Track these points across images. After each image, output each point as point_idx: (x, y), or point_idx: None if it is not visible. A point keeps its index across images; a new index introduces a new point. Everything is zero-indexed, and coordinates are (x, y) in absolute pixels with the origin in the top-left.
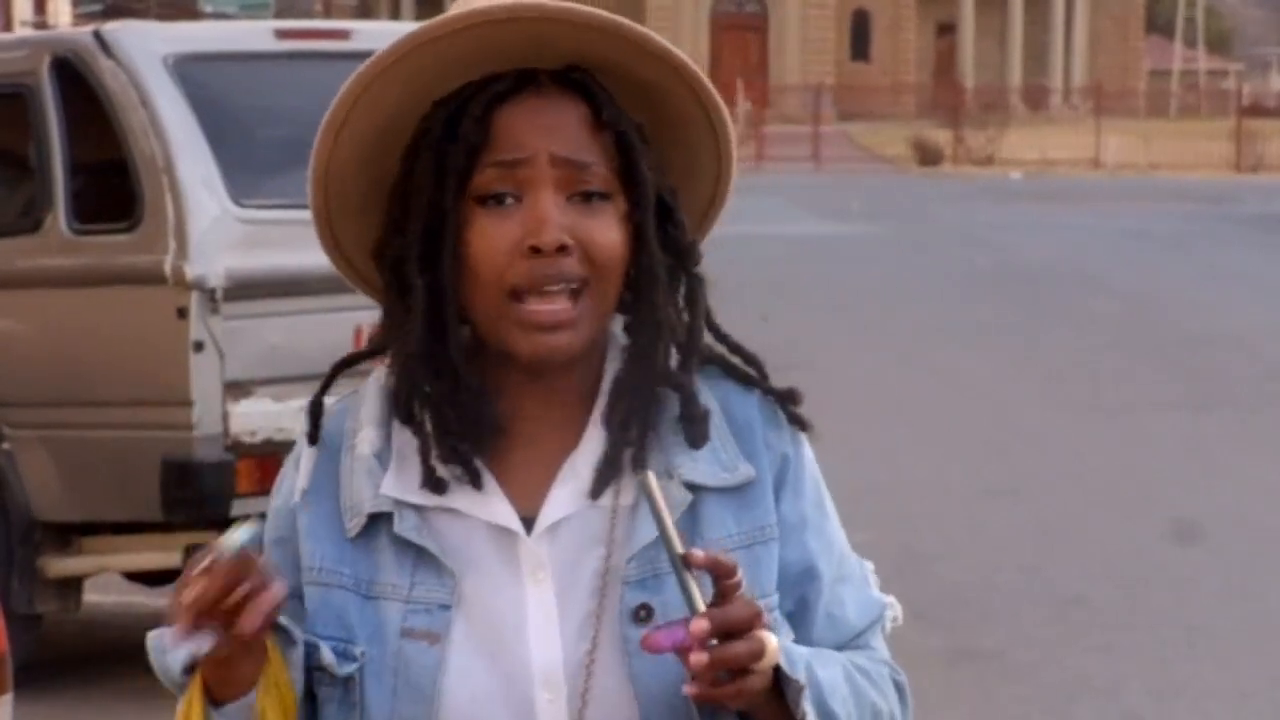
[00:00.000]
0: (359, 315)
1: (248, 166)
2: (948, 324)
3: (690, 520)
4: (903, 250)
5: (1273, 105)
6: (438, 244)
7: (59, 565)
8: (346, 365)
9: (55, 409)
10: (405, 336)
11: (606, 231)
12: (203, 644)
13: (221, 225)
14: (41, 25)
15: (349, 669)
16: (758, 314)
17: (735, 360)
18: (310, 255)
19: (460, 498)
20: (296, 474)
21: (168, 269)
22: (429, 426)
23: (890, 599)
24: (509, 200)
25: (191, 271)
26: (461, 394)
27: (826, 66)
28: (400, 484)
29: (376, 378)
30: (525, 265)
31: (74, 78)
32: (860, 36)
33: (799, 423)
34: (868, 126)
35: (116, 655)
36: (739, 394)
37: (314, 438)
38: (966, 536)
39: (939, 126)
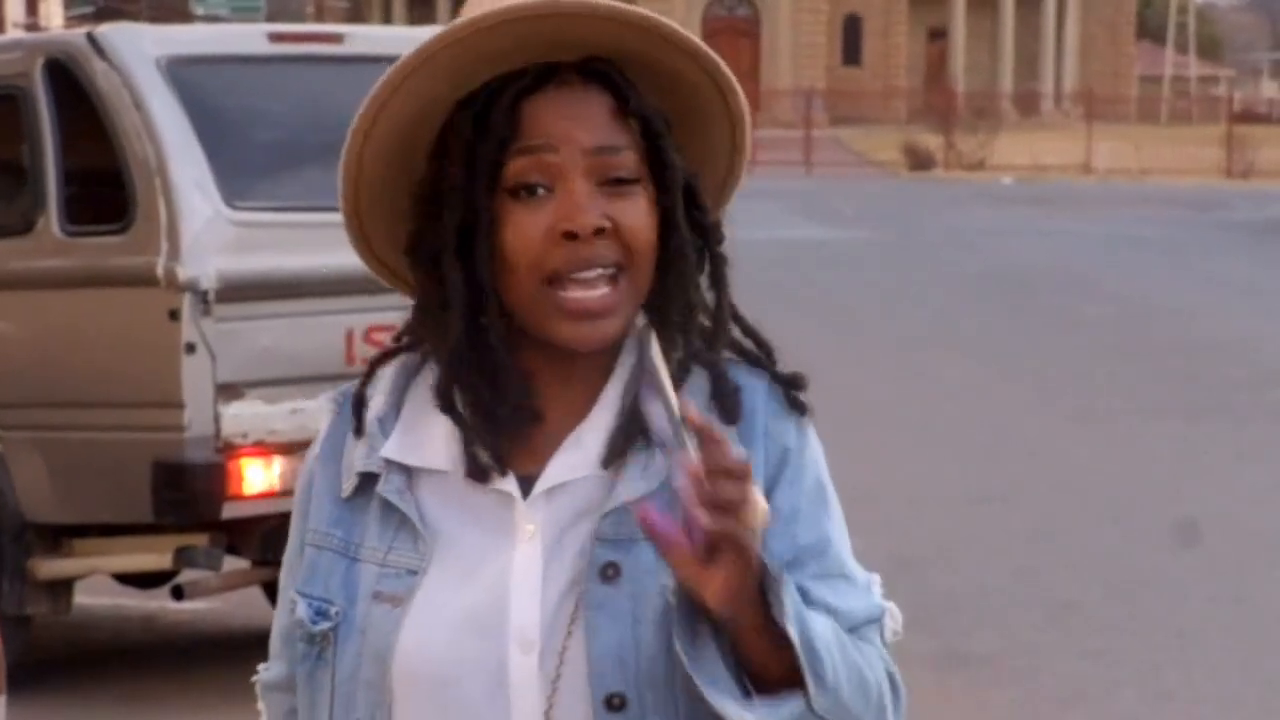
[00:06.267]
0: (350, 318)
1: (240, 169)
2: (939, 329)
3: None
4: (894, 255)
5: (1264, 111)
6: (472, 238)
7: (49, 567)
8: (384, 359)
9: (46, 410)
10: (445, 330)
11: (639, 215)
12: None
13: (214, 227)
14: (33, 27)
15: (323, 626)
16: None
17: (748, 344)
18: (302, 257)
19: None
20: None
21: (160, 271)
22: (469, 416)
23: (890, 605)
24: (540, 191)
25: (184, 273)
26: (504, 384)
27: (818, 71)
28: (400, 448)
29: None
30: (562, 251)
31: (67, 80)
32: (851, 41)
33: (800, 407)
34: (859, 131)
35: (107, 657)
36: (747, 378)
37: (359, 431)
38: (959, 542)
39: (930, 131)
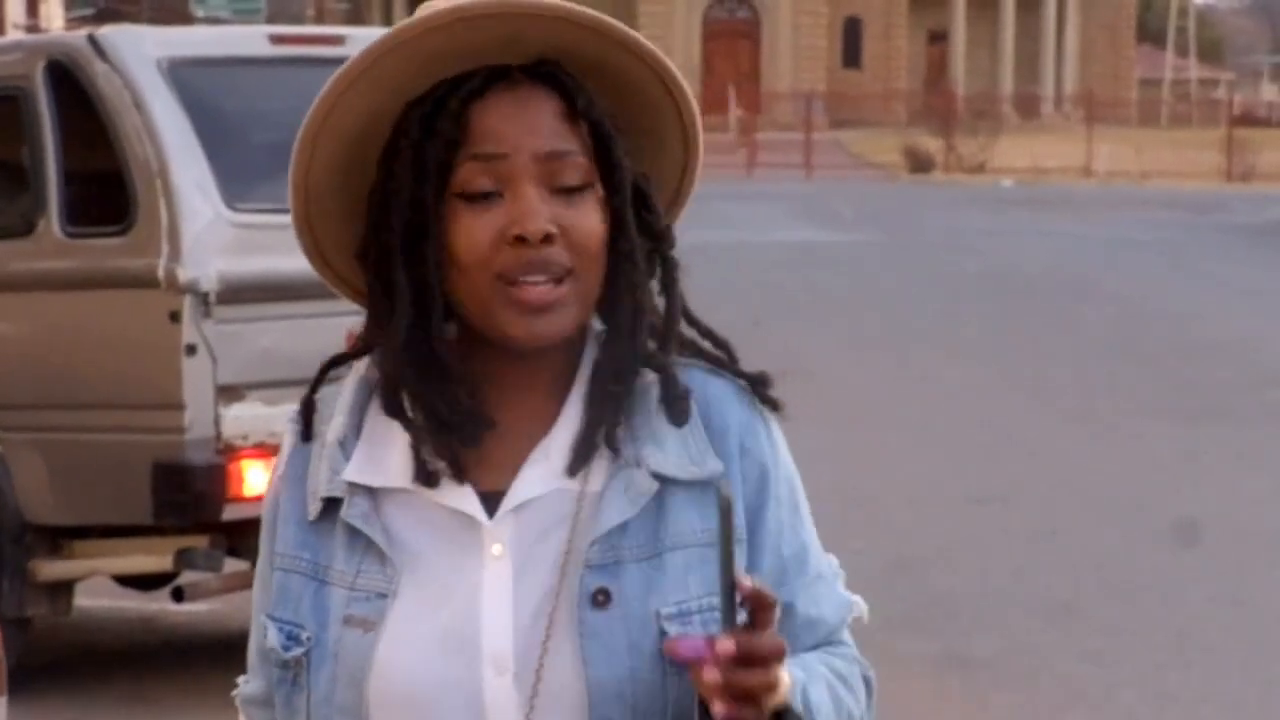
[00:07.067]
0: (351, 320)
1: (241, 170)
2: (939, 331)
3: (656, 511)
4: (894, 257)
5: (1264, 115)
6: (420, 240)
7: (50, 568)
8: (335, 364)
9: (47, 412)
10: (390, 332)
11: (588, 220)
12: None
13: (214, 229)
14: (34, 29)
15: (295, 652)
16: (749, 320)
17: (705, 344)
18: (302, 259)
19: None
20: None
21: (161, 272)
22: (419, 421)
23: (856, 598)
24: (490, 195)
25: (184, 275)
26: (452, 388)
27: (818, 73)
28: (363, 469)
29: (357, 368)
30: (511, 254)
31: (68, 81)
32: (852, 44)
33: (770, 404)
34: (859, 134)
35: (107, 659)
36: (714, 386)
37: (307, 435)
38: (958, 544)
39: (930, 134)
